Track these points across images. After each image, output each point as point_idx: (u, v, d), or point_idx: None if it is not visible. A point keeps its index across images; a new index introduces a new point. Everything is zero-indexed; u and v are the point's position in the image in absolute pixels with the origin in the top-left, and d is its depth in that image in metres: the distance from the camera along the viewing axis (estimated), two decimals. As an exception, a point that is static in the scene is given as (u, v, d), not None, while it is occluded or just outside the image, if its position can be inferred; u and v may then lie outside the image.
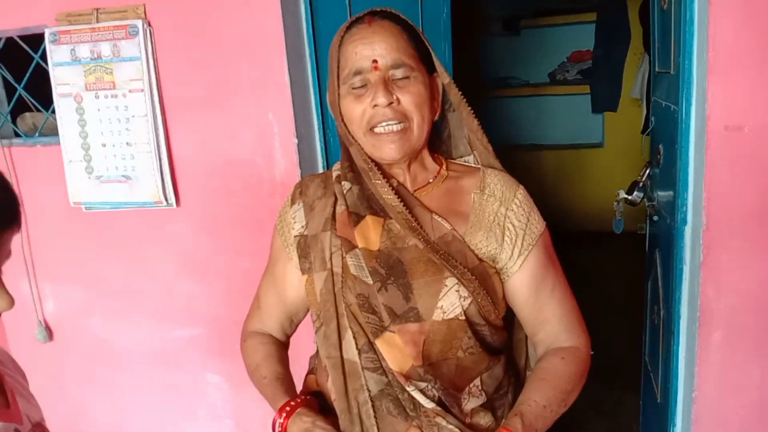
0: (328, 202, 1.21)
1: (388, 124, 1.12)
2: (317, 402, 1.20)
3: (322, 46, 1.96)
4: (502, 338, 1.22)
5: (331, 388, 1.17)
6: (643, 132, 3.95)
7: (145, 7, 1.91)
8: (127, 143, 1.99)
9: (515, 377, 1.28)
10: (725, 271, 1.69)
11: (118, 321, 2.24)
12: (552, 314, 1.19)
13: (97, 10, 1.94)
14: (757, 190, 1.63)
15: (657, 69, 2.05)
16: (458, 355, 1.14)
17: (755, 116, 1.58)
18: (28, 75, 2.10)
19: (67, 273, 2.24)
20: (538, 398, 1.10)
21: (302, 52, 1.95)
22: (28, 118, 2.22)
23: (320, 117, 2.00)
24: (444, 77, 1.21)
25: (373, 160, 1.16)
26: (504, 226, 1.16)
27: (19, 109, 2.21)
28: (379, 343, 1.13)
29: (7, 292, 0.85)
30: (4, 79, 2.18)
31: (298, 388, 1.28)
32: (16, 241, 2.23)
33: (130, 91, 1.95)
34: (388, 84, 1.11)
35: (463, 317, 1.12)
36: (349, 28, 1.16)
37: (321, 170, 2.03)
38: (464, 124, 1.26)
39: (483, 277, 1.13)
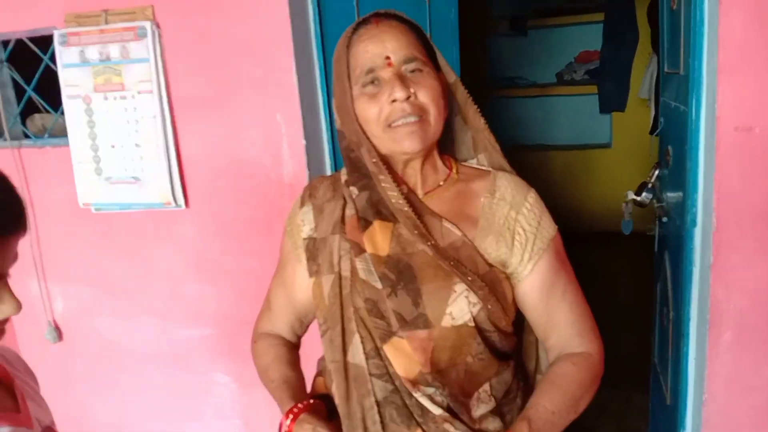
0: (338, 205, 1.21)
1: (406, 120, 1.11)
2: (325, 405, 1.19)
3: (329, 46, 1.96)
4: (511, 343, 1.21)
5: (335, 393, 1.17)
6: (651, 132, 3.95)
7: (153, 8, 1.92)
8: (136, 144, 2.00)
9: (524, 381, 1.26)
10: (735, 273, 1.68)
11: (126, 321, 2.25)
12: (563, 319, 1.17)
13: (106, 11, 1.95)
14: (767, 191, 1.62)
15: (666, 69, 2.04)
16: (467, 361, 1.13)
17: (765, 117, 1.57)
18: (37, 76, 2.11)
19: (76, 273, 2.25)
20: (546, 403, 1.09)
21: (310, 52, 1.95)
22: (37, 120, 2.23)
23: (328, 118, 2.00)
24: (450, 76, 1.20)
25: (384, 162, 1.15)
26: (514, 230, 1.15)
27: (28, 111, 2.22)
28: (386, 349, 1.12)
29: (15, 297, 0.85)
30: (14, 81, 2.19)
31: (309, 388, 1.28)
32: (26, 242, 2.26)
33: (138, 93, 1.96)
34: (403, 78, 1.10)
35: (473, 323, 1.11)
36: (355, 30, 1.16)
37: (329, 171, 2.03)
38: (469, 125, 1.25)
39: (493, 284, 1.12)
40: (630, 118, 4.89)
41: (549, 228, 1.18)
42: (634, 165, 4.69)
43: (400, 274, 1.12)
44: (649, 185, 2.09)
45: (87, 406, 2.36)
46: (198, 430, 2.29)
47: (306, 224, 1.24)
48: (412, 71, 1.12)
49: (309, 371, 1.33)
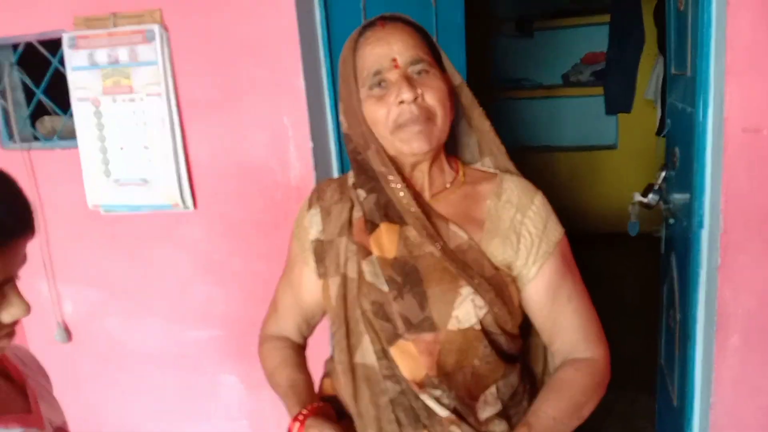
0: (345, 207, 1.21)
1: (413, 121, 1.10)
2: (332, 407, 1.19)
3: (336, 49, 1.96)
4: (518, 346, 1.21)
5: (343, 393, 1.17)
6: (658, 134, 3.94)
7: (161, 11, 1.93)
8: (145, 147, 2.01)
9: (531, 384, 1.25)
10: (743, 275, 1.67)
11: (135, 322, 2.26)
12: (568, 324, 1.16)
13: (115, 14, 1.96)
14: (775, 193, 1.61)
15: (673, 70, 2.04)
16: (474, 364, 1.13)
17: (773, 119, 1.57)
18: (46, 79, 2.12)
19: (85, 275, 2.26)
20: (548, 409, 1.09)
21: (317, 55, 1.96)
22: (47, 122, 2.24)
23: (335, 120, 2.00)
24: (455, 78, 1.20)
25: (395, 162, 1.15)
26: (520, 233, 1.14)
27: (38, 113, 2.24)
28: (393, 351, 1.12)
29: (24, 299, 0.85)
30: (24, 83, 2.21)
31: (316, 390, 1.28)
32: (35, 244, 2.27)
33: (147, 95, 1.97)
34: (410, 80, 1.10)
35: (479, 327, 1.11)
36: (361, 33, 1.16)
37: (336, 173, 2.04)
38: (474, 127, 1.25)
39: (500, 287, 1.12)
40: (636, 119, 4.87)
41: (555, 231, 1.17)
42: (640, 166, 4.68)
43: (407, 276, 1.12)
44: (656, 187, 2.08)
45: (95, 406, 2.37)
46: (205, 430, 2.30)
47: (313, 227, 1.24)
48: (419, 73, 1.12)
49: (316, 373, 1.33)
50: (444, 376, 1.12)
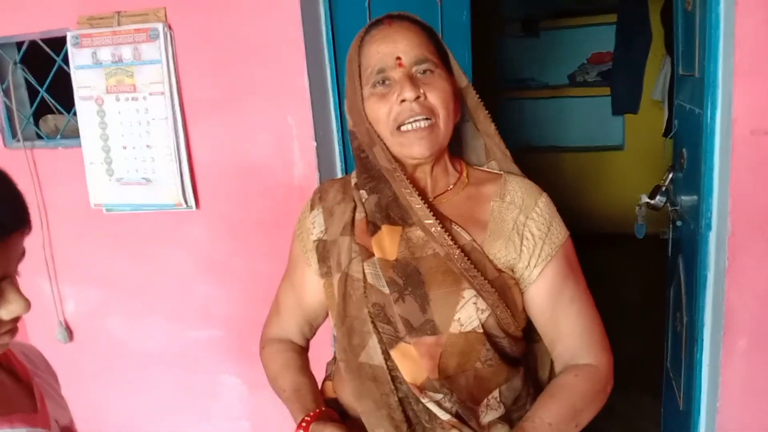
0: (348, 207, 1.20)
1: (415, 121, 1.09)
2: (335, 411, 1.18)
3: (341, 48, 1.95)
4: (522, 349, 1.19)
5: (349, 393, 1.16)
6: (665, 135, 3.92)
7: (165, 10, 1.92)
8: (148, 146, 2.00)
9: (535, 388, 1.23)
10: (750, 278, 1.66)
11: (136, 322, 2.26)
12: (570, 329, 1.14)
13: (119, 13, 1.95)
14: (784, 196, 1.60)
15: (680, 71, 2.02)
16: (476, 367, 1.11)
17: (782, 120, 1.55)
18: (50, 78, 2.12)
19: (87, 274, 2.26)
20: (544, 415, 1.07)
21: (321, 54, 1.95)
22: (50, 121, 2.24)
23: (339, 120, 1.99)
24: (462, 80, 1.19)
25: (397, 161, 1.14)
26: (523, 235, 1.13)
27: (41, 112, 2.23)
28: (393, 354, 1.11)
29: (23, 296, 0.84)
30: (27, 82, 2.21)
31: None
32: (38, 243, 2.27)
33: (150, 94, 1.96)
34: (413, 79, 1.09)
35: (481, 330, 1.09)
36: (368, 30, 1.15)
37: (339, 173, 2.02)
38: (480, 130, 1.24)
39: (503, 289, 1.11)
40: (643, 120, 4.85)
41: (559, 233, 1.15)
42: (647, 167, 4.65)
43: (408, 279, 1.11)
44: (663, 188, 2.07)
45: (96, 406, 2.36)
46: (206, 431, 2.29)
47: (316, 227, 1.24)
48: (423, 72, 1.11)
49: (317, 375, 1.32)
50: (446, 379, 1.10)
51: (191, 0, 1.92)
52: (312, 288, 1.25)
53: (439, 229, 1.10)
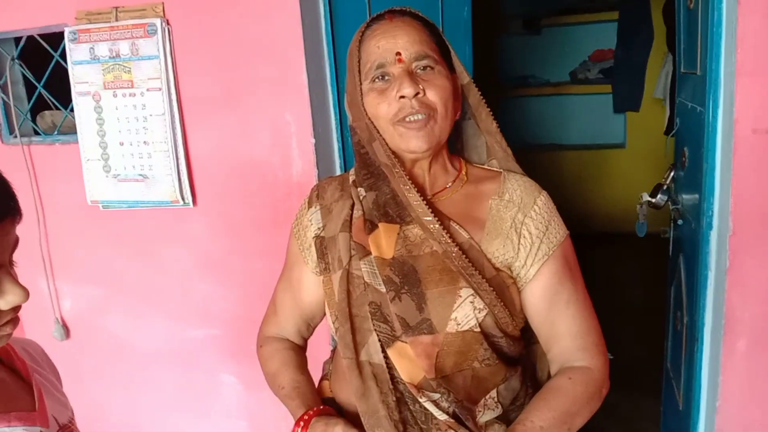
0: (346, 204, 1.20)
1: (413, 117, 1.08)
2: (333, 410, 1.17)
3: (340, 45, 1.94)
4: (520, 348, 1.18)
5: (351, 391, 1.15)
6: (666, 133, 3.90)
7: (163, 5, 1.91)
8: (145, 142, 1.99)
9: (534, 389, 1.22)
10: (751, 278, 1.65)
11: (134, 320, 2.25)
12: (566, 330, 1.13)
13: (116, 8, 1.94)
14: (786, 195, 1.58)
15: (682, 69, 2.01)
16: (474, 366, 1.10)
17: (785, 119, 1.54)
18: (47, 73, 2.11)
19: (84, 271, 2.25)
20: (535, 419, 1.06)
21: (321, 51, 1.93)
22: (47, 116, 2.23)
23: (338, 117, 1.98)
24: (463, 77, 1.18)
25: (396, 157, 1.13)
26: (520, 233, 1.12)
27: (38, 107, 2.22)
28: (390, 353, 1.10)
29: (20, 285, 0.83)
30: (25, 78, 2.19)
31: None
32: (34, 239, 2.26)
33: (147, 90, 1.95)
34: (412, 75, 1.08)
35: (478, 329, 1.08)
36: (369, 25, 1.14)
37: (338, 170, 2.01)
38: (482, 128, 1.23)
39: (500, 288, 1.10)
40: (644, 118, 4.84)
41: (557, 233, 1.14)
42: (648, 166, 4.63)
43: (405, 277, 1.10)
44: (665, 187, 2.06)
45: (93, 404, 2.35)
46: (205, 429, 2.29)
47: (313, 224, 1.23)
48: (423, 69, 1.10)
49: (314, 375, 1.31)
50: (443, 378, 1.09)
51: (190, -5, 1.91)
52: (309, 287, 1.24)
53: (437, 226, 1.09)
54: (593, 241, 3.71)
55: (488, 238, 1.12)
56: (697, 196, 1.74)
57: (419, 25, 1.13)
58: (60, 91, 2.11)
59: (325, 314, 1.26)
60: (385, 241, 1.12)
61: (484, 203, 1.15)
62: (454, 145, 1.25)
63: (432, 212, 1.10)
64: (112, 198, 2.08)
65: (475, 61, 2.44)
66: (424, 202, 1.11)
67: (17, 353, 1.00)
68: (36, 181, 2.19)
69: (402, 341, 1.09)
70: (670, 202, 2.05)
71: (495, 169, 1.23)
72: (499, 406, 1.14)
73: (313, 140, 1.90)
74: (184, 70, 1.94)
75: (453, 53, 1.17)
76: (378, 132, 1.12)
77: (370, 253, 1.12)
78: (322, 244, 1.20)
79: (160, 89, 1.94)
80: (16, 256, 0.86)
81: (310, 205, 1.25)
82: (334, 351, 1.31)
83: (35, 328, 2.28)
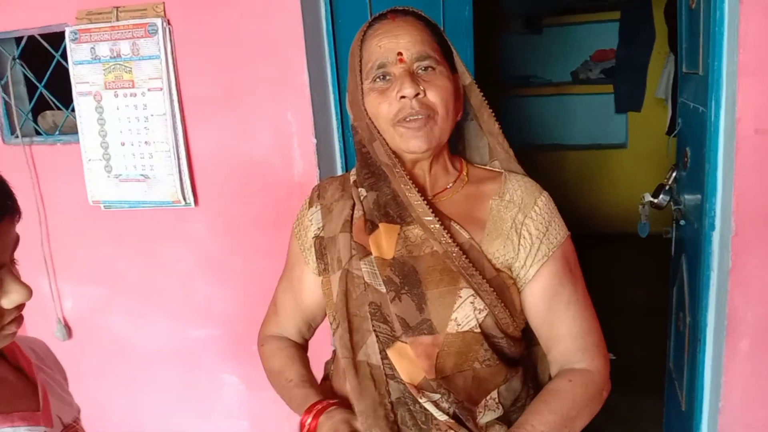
0: (346, 205, 1.20)
1: (414, 117, 1.08)
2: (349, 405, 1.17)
3: (341, 45, 1.94)
4: (521, 349, 1.18)
5: (349, 390, 1.15)
6: (668, 133, 3.90)
7: (164, 5, 1.90)
8: (146, 142, 1.99)
9: (535, 390, 1.21)
10: (754, 279, 1.64)
11: (135, 320, 2.25)
12: (566, 332, 1.13)
13: (117, 8, 1.94)
14: (788, 195, 1.58)
15: (684, 69, 2.01)
16: (474, 367, 1.10)
17: (787, 119, 1.54)
18: (48, 73, 2.11)
19: (85, 271, 2.25)
20: (536, 422, 1.05)
21: (322, 51, 1.93)
22: (48, 117, 2.23)
23: (339, 117, 1.98)
24: (465, 78, 1.18)
25: (397, 157, 1.12)
26: (521, 234, 1.11)
27: (40, 108, 2.22)
28: (390, 353, 1.10)
29: (23, 283, 0.84)
30: (26, 78, 2.19)
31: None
32: (36, 239, 2.26)
33: (148, 90, 1.95)
34: (413, 75, 1.08)
35: (479, 330, 1.08)
36: (371, 24, 1.14)
37: (339, 170, 2.01)
38: (484, 128, 1.22)
39: (501, 289, 1.09)
40: (646, 118, 4.83)
41: (558, 233, 1.14)
42: (650, 166, 4.62)
43: (405, 278, 1.10)
44: (667, 187, 2.05)
45: (95, 404, 2.35)
46: (206, 429, 2.28)
47: (314, 224, 1.23)
48: (425, 69, 1.09)
49: (316, 375, 1.31)
50: (443, 379, 1.09)
51: (191, -5, 1.90)
52: (310, 287, 1.24)
53: (438, 226, 1.08)
54: (595, 242, 3.70)
55: (489, 238, 1.12)
56: (699, 196, 1.74)
57: (421, 25, 1.13)
58: (61, 91, 2.12)
59: (325, 315, 1.26)
60: (385, 242, 1.12)
61: (485, 204, 1.15)
62: (456, 146, 1.24)
63: (433, 212, 1.10)
64: (113, 198, 2.08)
65: (476, 61, 2.44)
66: (425, 202, 1.10)
67: (23, 352, 1.00)
68: (37, 181, 2.19)
69: (402, 342, 1.09)
70: (672, 203, 2.04)
71: (496, 169, 1.23)
72: (500, 407, 1.13)
73: (315, 140, 1.89)
74: (185, 70, 1.94)
75: (455, 54, 1.16)
76: (378, 132, 1.12)
77: (370, 254, 1.12)
78: (321, 245, 1.20)
79: (161, 89, 1.94)
80: (18, 255, 0.86)
81: (310, 205, 1.25)
82: (335, 351, 1.30)
83: (37, 328, 2.28)
